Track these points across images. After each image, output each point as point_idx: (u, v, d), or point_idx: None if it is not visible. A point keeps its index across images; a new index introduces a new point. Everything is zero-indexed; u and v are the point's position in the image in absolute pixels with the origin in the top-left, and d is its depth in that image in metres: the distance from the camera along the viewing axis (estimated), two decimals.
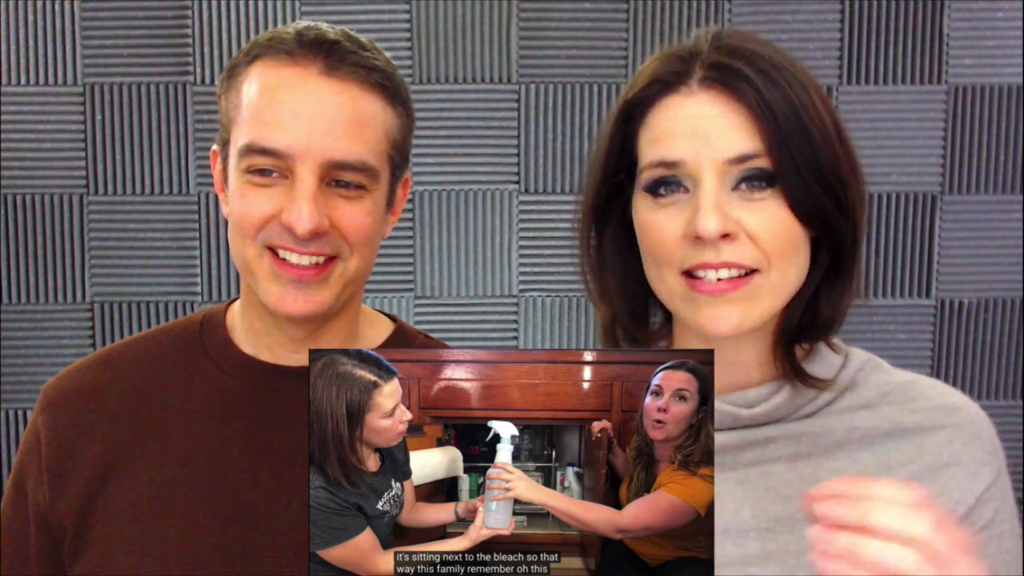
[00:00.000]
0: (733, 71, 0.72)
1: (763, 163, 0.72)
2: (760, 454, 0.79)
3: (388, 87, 0.85)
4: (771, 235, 0.72)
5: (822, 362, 0.81)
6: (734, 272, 0.73)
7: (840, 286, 0.78)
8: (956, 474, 0.77)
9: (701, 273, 0.73)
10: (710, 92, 0.73)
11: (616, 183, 0.80)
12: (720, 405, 0.80)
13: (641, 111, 0.77)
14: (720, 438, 0.80)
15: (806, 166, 0.72)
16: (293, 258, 0.82)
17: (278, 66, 0.82)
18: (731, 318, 0.73)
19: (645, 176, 0.76)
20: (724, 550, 0.76)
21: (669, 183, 0.74)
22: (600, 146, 0.81)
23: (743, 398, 0.80)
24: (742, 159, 0.72)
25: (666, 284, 0.76)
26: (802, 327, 0.79)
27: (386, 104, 0.85)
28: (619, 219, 0.82)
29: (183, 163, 1.82)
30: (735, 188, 0.73)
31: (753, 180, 0.72)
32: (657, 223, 0.75)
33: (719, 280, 0.73)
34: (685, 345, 0.85)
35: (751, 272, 0.73)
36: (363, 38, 0.86)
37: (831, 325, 0.79)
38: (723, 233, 0.71)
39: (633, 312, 0.84)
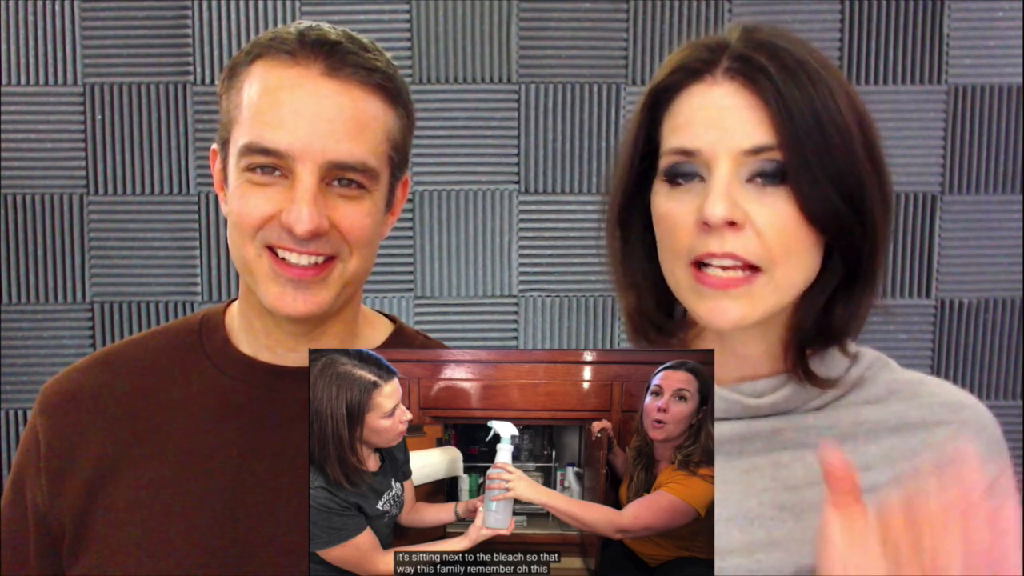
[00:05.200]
0: (755, 64, 0.73)
1: (777, 156, 0.72)
2: (768, 444, 0.80)
3: (389, 88, 0.85)
4: (777, 231, 0.72)
5: (830, 364, 0.81)
6: (738, 265, 0.73)
7: (857, 294, 0.78)
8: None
9: (706, 262, 0.73)
10: (733, 83, 0.74)
11: (642, 172, 0.80)
12: (729, 394, 0.80)
13: (667, 98, 0.78)
14: (729, 428, 0.80)
15: (820, 166, 0.72)
16: (292, 258, 0.82)
17: (279, 66, 0.82)
18: (732, 312, 0.74)
19: (664, 162, 0.77)
20: (730, 536, 0.77)
21: (685, 172, 0.75)
22: (627, 134, 0.81)
23: (752, 388, 0.81)
24: (757, 151, 0.72)
25: (675, 275, 0.77)
26: (815, 332, 0.79)
27: (387, 105, 0.85)
28: (647, 212, 0.81)
29: (183, 163, 1.82)
30: (749, 180, 0.73)
31: (767, 174, 0.73)
32: (671, 211, 0.76)
33: (724, 269, 0.73)
34: (705, 334, 0.84)
35: (754, 271, 0.73)
36: (365, 39, 0.86)
37: (845, 332, 0.79)
38: (729, 220, 0.71)
39: (659, 302, 0.84)
